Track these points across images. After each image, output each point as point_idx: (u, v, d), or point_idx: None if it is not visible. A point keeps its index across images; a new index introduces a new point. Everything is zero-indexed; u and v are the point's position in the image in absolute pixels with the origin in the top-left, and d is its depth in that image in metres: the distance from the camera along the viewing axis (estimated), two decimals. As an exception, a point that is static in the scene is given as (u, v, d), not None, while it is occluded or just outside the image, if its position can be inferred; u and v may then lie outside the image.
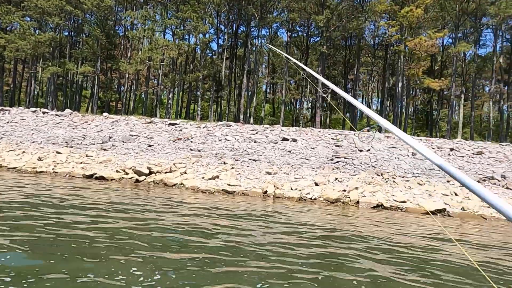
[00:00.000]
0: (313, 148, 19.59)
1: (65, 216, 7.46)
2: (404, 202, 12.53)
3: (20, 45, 36.38)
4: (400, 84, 35.98)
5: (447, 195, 13.24)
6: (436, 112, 47.30)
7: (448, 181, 14.81)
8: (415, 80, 36.17)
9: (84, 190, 11.48)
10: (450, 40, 43.97)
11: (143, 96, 46.62)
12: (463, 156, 18.71)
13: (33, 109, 28.71)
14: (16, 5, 39.66)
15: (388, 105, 50.31)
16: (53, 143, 19.80)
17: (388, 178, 14.88)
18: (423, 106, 51.63)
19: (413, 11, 31.48)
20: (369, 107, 61.11)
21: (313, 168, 16.34)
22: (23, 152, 17.63)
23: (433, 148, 19.46)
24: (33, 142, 19.99)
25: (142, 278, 4.38)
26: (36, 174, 14.79)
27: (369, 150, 18.83)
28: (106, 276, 4.34)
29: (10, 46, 36.74)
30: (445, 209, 12.02)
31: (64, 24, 40.71)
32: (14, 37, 37.22)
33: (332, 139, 21.06)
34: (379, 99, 55.29)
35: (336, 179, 14.79)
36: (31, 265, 4.57)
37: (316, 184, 14.20)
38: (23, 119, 25.37)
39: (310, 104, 56.34)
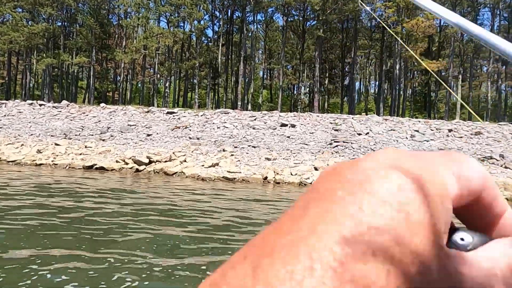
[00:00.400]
0: (312, 133, 19.61)
1: (81, 203, 7.52)
2: (404, 184, 12.61)
3: (13, 37, 35.99)
4: (397, 67, 35.84)
5: (446, 176, 13.32)
6: (434, 93, 47.24)
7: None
8: (412, 62, 36.04)
9: (87, 180, 11.52)
10: (447, 20, 43.57)
11: (139, 85, 46.36)
12: (461, 137, 18.77)
13: (30, 101, 28.55)
14: (7, -4, 39.07)
15: (386, 87, 50.16)
16: (52, 135, 19.76)
17: (387, 161, 14.94)
18: (421, 88, 51.53)
19: (410, -9, 31.11)
20: (367, 90, 60.94)
21: (312, 153, 16.38)
22: (22, 145, 17.60)
23: (432, 130, 19.50)
24: (31, 134, 19.94)
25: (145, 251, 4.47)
26: (36, 167, 14.80)
27: (367, 133, 18.87)
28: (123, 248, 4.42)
29: (3, 38, 36.34)
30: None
31: (57, 15, 40.21)
32: (7, 29, 36.78)
33: (331, 123, 21.06)
34: (377, 82, 55.14)
35: (335, 163, 14.83)
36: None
37: (316, 169, 14.26)
38: (20, 112, 25.25)
39: (307, 89, 56.15)
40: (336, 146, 17.11)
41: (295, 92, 56.44)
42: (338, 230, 0.17)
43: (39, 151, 16.39)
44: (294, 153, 16.32)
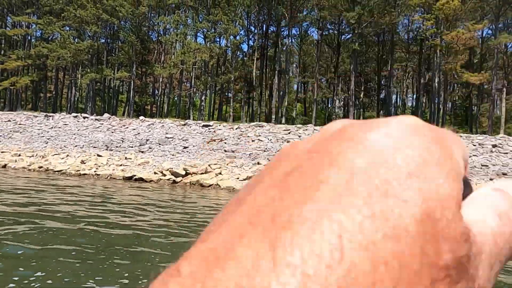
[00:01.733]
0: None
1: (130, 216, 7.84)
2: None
3: (61, 53, 38.22)
4: (436, 80, 34.83)
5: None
6: (476, 107, 45.38)
7: (491, 179, 14.21)
8: (452, 74, 34.91)
9: (131, 191, 11.95)
10: (490, 32, 42.04)
11: (176, 99, 47.70)
12: (506, 153, 17.88)
13: (75, 114, 30.09)
14: (56, 15, 41.68)
15: (424, 101, 48.78)
16: (94, 147, 20.68)
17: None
18: (462, 102, 49.66)
19: (450, 3, 30.38)
20: (404, 104, 59.52)
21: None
22: (67, 155, 18.52)
23: (474, 145, 18.72)
24: (76, 146, 20.96)
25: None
26: (80, 177, 15.52)
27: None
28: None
29: (52, 55, 38.67)
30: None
31: (101, 32, 42.39)
32: (56, 46, 39.15)
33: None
34: (415, 95, 53.77)
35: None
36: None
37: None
38: (65, 124, 26.64)
39: (342, 102, 55.58)
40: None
41: (329, 105, 56.04)
42: (367, 203, 0.15)
43: (82, 162, 17.18)
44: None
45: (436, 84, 34.91)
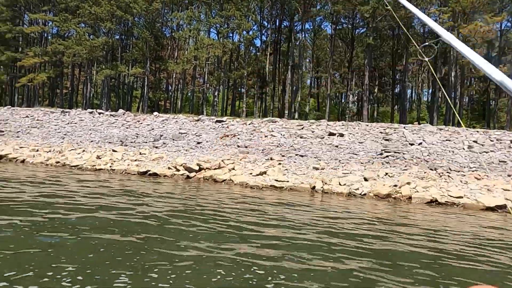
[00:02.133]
0: (361, 142, 19.19)
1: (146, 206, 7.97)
2: (461, 197, 11.98)
3: (76, 50, 38.74)
4: (453, 74, 34.16)
5: (508, 190, 12.47)
6: (493, 102, 44.33)
7: (509, 175, 13.94)
8: (469, 68, 34.12)
9: (143, 185, 12.12)
10: (509, 24, 40.95)
11: (189, 94, 47.88)
12: (525, 149, 17.46)
13: (90, 110, 30.53)
14: (72, 13, 42.20)
15: (440, 95, 47.94)
16: (109, 142, 20.97)
17: (442, 173, 14.28)
18: (479, 96, 48.60)
19: (467, -5, 29.66)
20: (419, 98, 58.57)
21: (361, 163, 16.03)
22: (83, 151, 18.84)
23: (492, 141, 18.34)
24: (92, 141, 21.29)
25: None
26: (95, 171, 15.77)
27: (420, 143, 18.14)
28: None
29: (68, 52, 39.23)
30: (505, 205, 11.34)
31: (115, 28, 42.76)
32: (71, 43, 39.70)
33: (381, 132, 20.49)
34: (430, 90, 52.84)
35: (386, 174, 14.41)
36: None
37: (366, 179, 13.93)
38: (81, 120, 27.05)
39: (356, 97, 55.00)
40: (387, 156, 16.60)
41: (343, 100, 55.53)
42: None
43: (98, 157, 17.45)
44: (343, 163, 16.05)
45: (453, 78, 34.26)
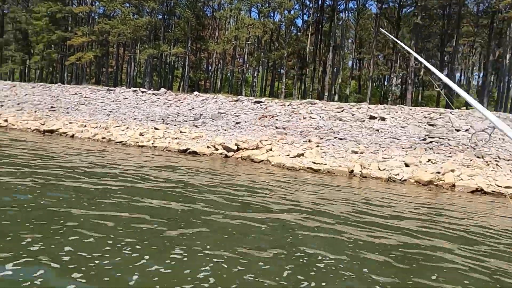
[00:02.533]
0: (403, 127, 18.58)
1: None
2: (509, 187, 11.38)
3: (121, 29, 39.82)
4: (508, 56, 31.94)
5: None
6: (552, 87, 41.08)
7: None
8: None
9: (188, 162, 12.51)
10: None
11: (229, 74, 48.11)
12: None
13: (134, 88, 31.53)
14: (117, -8, 43.22)
15: (492, 80, 45.12)
16: (151, 120, 21.64)
17: (490, 161, 13.59)
18: (536, 81, 45.18)
19: (529, -30, 27.30)
20: (469, 82, 55.48)
21: (403, 148, 15.57)
22: (127, 127, 19.58)
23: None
24: (135, 119, 22.06)
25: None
26: (138, 148, 16.41)
27: (467, 130, 17.29)
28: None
29: (114, 31, 40.43)
30: (560, 198, 10.66)
31: (158, 8, 43.42)
32: (117, 22, 40.84)
33: (425, 117, 19.71)
34: (481, 74, 49.85)
35: (428, 160, 13.93)
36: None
37: (406, 165, 13.55)
38: (125, 98, 28.04)
39: (399, 80, 52.92)
40: (430, 142, 16.00)
41: (385, 83, 53.62)
42: None
43: (141, 134, 18.10)
44: (383, 148, 15.67)
45: (507, 61, 32.05)
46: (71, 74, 50.59)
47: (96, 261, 3.92)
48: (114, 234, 4.81)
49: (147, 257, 4.16)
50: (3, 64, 50.51)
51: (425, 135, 16.75)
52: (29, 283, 3.38)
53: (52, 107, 25.32)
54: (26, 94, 29.72)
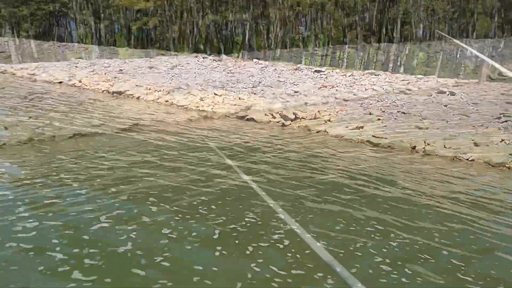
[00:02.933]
0: (476, 103, 17.24)
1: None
2: None
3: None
4: None
5: None
6: None
7: None
8: None
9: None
10: None
11: (289, 42, 47.25)
12: None
13: (195, 54, 32.19)
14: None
15: None
16: (212, 86, 22.06)
17: None
18: None
19: None
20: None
21: (473, 126, 14.50)
22: (189, 92, 20.17)
23: None
24: (196, 84, 22.62)
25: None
26: (199, 112, 16.92)
27: (551, 109, 15.63)
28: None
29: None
30: None
31: (222, -27, 43.16)
32: (181, -12, 41.36)
33: (502, 94, 18.11)
34: None
35: (502, 140, 12.87)
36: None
37: (476, 144, 12.64)
38: (187, 63, 28.75)
39: (473, 53, 48.59)
40: (506, 121, 14.72)
41: (458, 56, 49.52)
42: None
43: (201, 99, 18.58)
44: (451, 125, 14.72)
45: None
46: (137, 39, 52.59)
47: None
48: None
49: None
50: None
51: (501, 114, 15.44)
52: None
53: (120, 69, 26.69)
54: (97, 57, 31.54)
